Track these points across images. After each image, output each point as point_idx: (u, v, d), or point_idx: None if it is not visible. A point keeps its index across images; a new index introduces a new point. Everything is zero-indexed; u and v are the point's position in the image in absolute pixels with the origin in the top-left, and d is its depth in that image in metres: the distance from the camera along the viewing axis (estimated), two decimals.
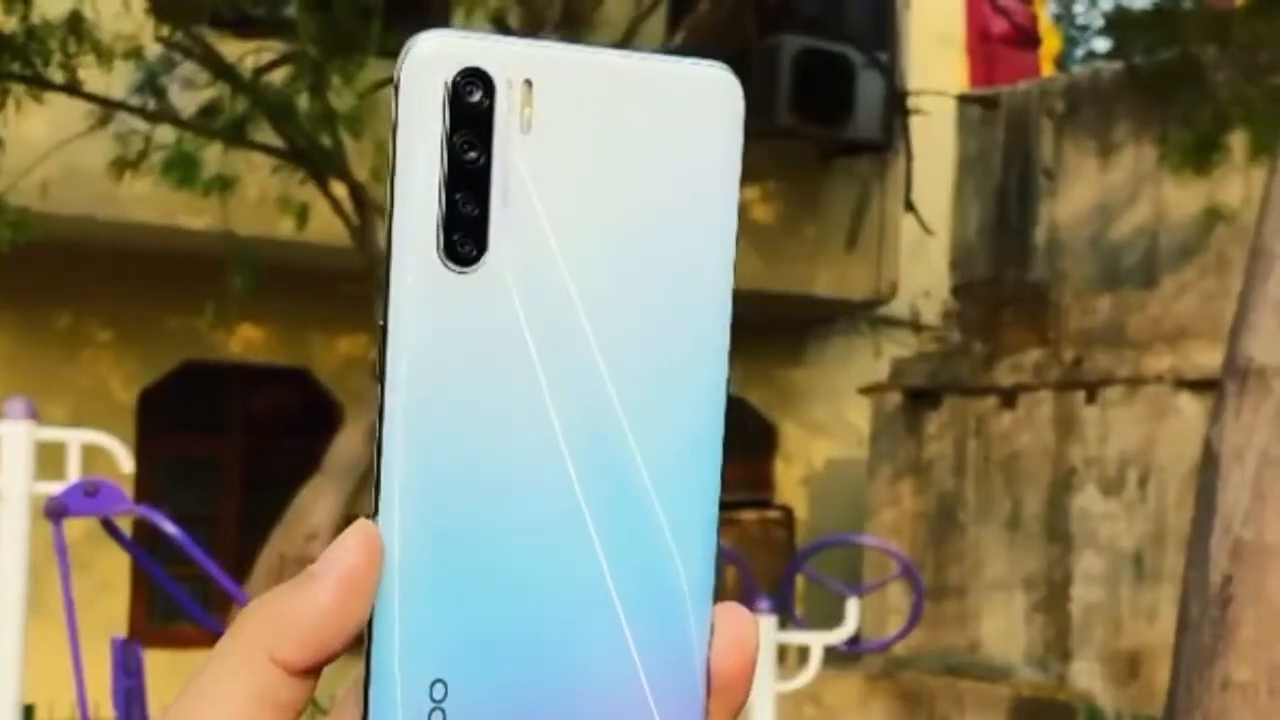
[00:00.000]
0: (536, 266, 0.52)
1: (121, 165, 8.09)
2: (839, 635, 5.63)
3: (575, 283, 0.52)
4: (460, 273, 0.52)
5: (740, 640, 0.55)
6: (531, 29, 8.06)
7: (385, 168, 0.53)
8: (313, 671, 0.52)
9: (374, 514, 0.52)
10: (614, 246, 0.53)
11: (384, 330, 0.52)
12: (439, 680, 0.52)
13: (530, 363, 0.52)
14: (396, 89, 0.52)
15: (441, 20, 8.37)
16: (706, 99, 0.54)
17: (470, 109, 0.52)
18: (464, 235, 0.52)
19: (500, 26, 8.27)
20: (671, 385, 0.54)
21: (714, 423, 0.54)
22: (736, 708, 0.56)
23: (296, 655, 0.52)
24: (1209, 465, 4.81)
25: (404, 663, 0.52)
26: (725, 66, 0.54)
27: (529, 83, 0.52)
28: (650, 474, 0.53)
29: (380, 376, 0.52)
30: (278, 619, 0.52)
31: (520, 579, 0.53)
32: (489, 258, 0.52)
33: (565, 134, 0.52)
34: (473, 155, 0.52)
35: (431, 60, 0.52)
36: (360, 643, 0.53)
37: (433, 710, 0.52)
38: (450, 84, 0.52)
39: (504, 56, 0.52)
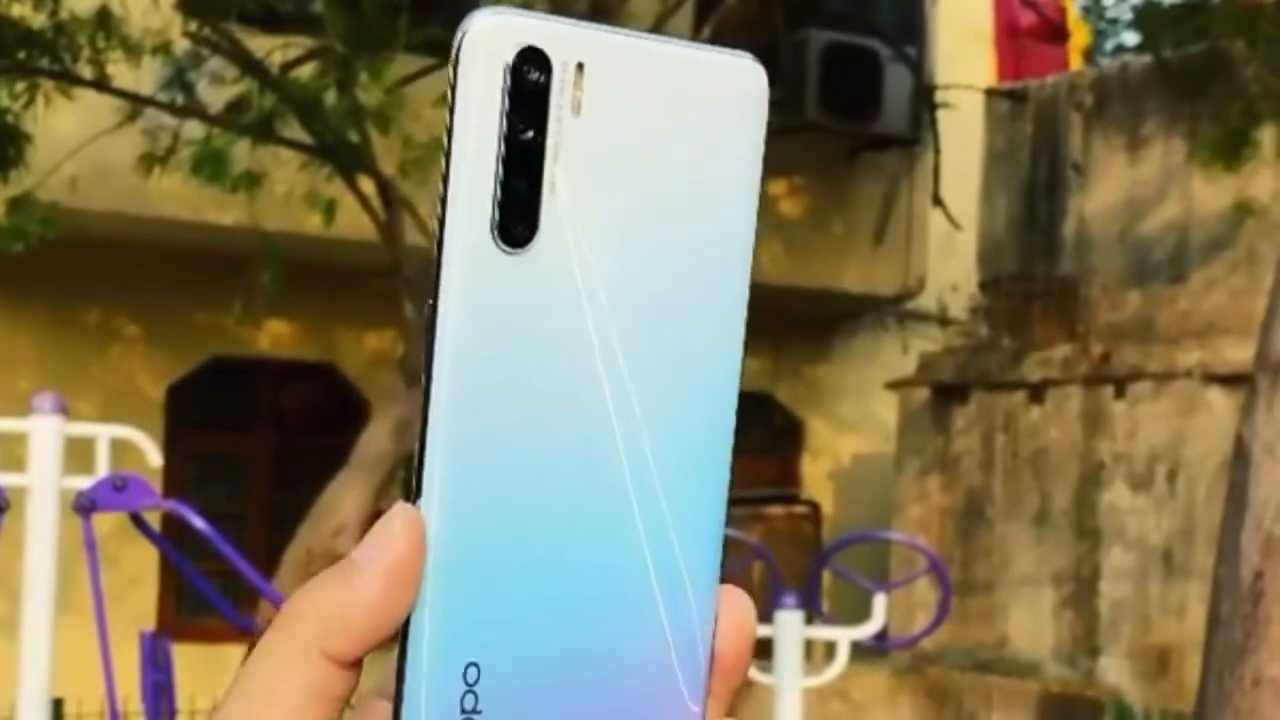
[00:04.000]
0: (579, 250, 0.52)
1: (150, 161, 8.12)
2: (866, 630, 5.62)
3: (612, 267, 0.52)
4: (511, 254, 0.51)
5: (742, 625, 0.56)
6: None
7: (439, 149, 0.52)
8: (360, 660, 0.53)
9: (415, 497, 0.52)
10: (647, 232, 0.53)
11: (432, 310, 0.51)
12: (472, 663, 0.52)
13: (577, 346, 0.52)
14: (455, 67, 0.51)
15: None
16: (736, 88, 0.54)
17: (528, 89, 0.51)
18: (518, 216, 0.51)
19: None
20: (692, 371, 0.54)
21: (731, 403, 0.55)
22: (735, 688, 0.57)
23: (349, 648, 0.52)
24: (1240, 460, 4.79)
25: (438, 645, 0.52)
26: (754, 57, 0.54)
27: (581, 65, 0.52)
28: (669, 462, 0.54)
29: (427, 356, 0.52)
30: (327, 613, 0.52)
31: (556, 564, 0.53)
32: (539, 240, 0.52)
33: (609, 118, 0.52)
34: (529, 136, 0.51)
35: (491, 38, 0.51)
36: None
37: (465, 693, 0.52)
38: (510, 63, 0.51)
39: (560, 37, 0.52)
